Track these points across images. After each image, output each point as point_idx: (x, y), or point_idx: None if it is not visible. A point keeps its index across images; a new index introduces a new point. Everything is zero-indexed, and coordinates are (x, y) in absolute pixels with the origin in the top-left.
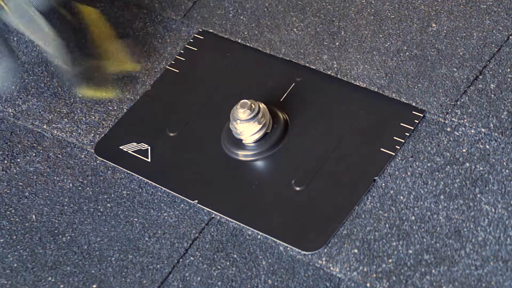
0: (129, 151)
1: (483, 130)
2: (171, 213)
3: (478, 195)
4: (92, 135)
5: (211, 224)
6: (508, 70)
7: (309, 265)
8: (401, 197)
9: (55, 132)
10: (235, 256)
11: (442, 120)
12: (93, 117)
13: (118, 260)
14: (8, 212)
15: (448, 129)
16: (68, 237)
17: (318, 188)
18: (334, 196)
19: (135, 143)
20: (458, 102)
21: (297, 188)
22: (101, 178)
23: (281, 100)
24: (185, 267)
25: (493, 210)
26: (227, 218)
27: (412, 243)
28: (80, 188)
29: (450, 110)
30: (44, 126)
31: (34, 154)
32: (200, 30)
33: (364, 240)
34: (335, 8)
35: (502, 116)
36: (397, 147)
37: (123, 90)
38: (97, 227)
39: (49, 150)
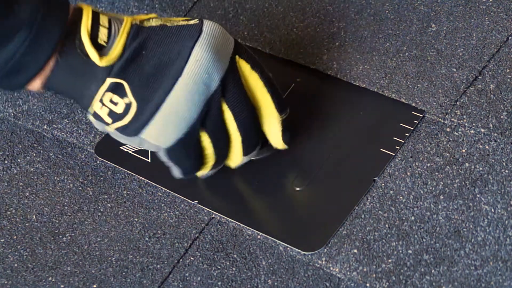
0: (130, 151)
1: (482, 130)
2: (171, 213)
3: (478, 195)
4: (93, 135)
5: (211, 224)
6: (508, 70)
7: (309, 265)
8: (401, 197)
9: (56, 132)
10: (235, 256)
11: (442, 121)
12: None
13: (118, 260)
14: (9, 212)
15: (448, 130)
16: (69, 237)
17: (318, 188)
18: (334, 196)
19: None
20: (458, 103)
21: (297, 188)
22: (101, 178)
23: None
24: (185, 267)
25: (492, 210)
26: (227, 218)
27: (412, 243)
28: (80, 188)
29: (449, 110)
30: (45, 127)
31: (34, 154)
32: None
33: (364, 240)
34: (335, 9)
35: (502, 117)
36: (396, 147)
37: None
38: (98, 227)
39: (50, 150)
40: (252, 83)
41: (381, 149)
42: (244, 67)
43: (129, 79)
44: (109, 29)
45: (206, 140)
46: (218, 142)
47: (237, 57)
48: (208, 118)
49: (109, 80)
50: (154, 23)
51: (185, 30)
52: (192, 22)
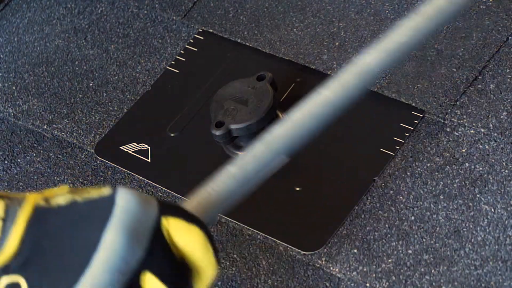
0: (130, 152)
1: (482, 130)
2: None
3: (478, 195)
4: (93, 135)
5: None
6: (508, 70)
7: (308, 265)
8: (401, 197)
9: (56, 132)
10: (235, 256)
11: (442, 120)
12: (93, 118)
13: None
14: None
15: (448, 129)
16: None
17: (318, 188)
18: (334, 196)
19: (135, 143)
20: (458, 103)
21: (297, 188)
22: (102, 178)
23: (281, 100)
24: None
25: (492, 210)
26: (227, 218)
27: (412, 243)
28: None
29: (449, 110)
30: (45, 127)
31: (34, 154)
32: (200, 30)
33: (364, 240)
34: (335, 9)
35: (502, 117)
36: (396, 147)
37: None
38: None
39: (50, 150)
40: (190, 238)
41: (381, 149)
42: (176, 224)
43: (28, 276)
44: (5, 220)
45: None
46: None
47: (163, 219)
48: None
49: (4, 280)
50: (62, 200)
51: (96, 209)
52: (105, 192)
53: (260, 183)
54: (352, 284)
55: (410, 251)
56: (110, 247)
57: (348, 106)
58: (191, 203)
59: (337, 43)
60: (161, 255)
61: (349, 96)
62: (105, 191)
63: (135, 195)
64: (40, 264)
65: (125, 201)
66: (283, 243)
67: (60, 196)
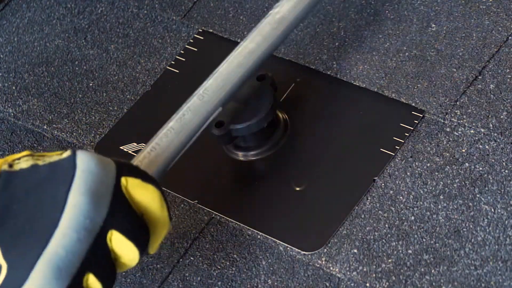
0: (130, 152)
1: (482, 130)
2: (171, 213)
3: (478, 195)
4: (93, 135)
5: (211, 224)
6: (508, 70)
7: (308, 265)
8: (401, 197)
9: (56, 132)
10: (235, 256)
11: (442, 121)
12: (93, 117)
13: None
14: None
15: (448, 129)
16: None
17: (318, 188)
18: (334, 196)
19: (135, 144)
20: (458, 103)
21: (297, 188)
22: None
23: (281, 100)
24: (185, 267)
25: (492, 210)
26: (227, 218)
27: (412, 243)
28: None
29: (449, 110)
30: (45, 127)
31: None
32: (200, 30)
33: (364, 240)
34: (335, 9)
35: (502, 117)
36: (396, 147)
37: None
38: None
39: (50, 150)
40: (147, 196)
41: (381, 149)
42: (134, 183)
43: (1, 240)
44: None
45: (92, 279)
46: (107, 279)
47: (122, 178)
48: (94, 259)
49: None
50: (24, 164)
51: (58, 171)
52: (64, 155)
53: (200, 134)
54: (352, 284)
55: (410, 251)
56: (75, 208)
57: (270, 55)
58: (138, 159)
59: (337, 43)
60: (123, 212)
61: (270, 46)
62: (64, 154)
63: (94, 157)
64: (12, 227)
65: (85, 163)
66: (283, 243)
67: (22, 160)
